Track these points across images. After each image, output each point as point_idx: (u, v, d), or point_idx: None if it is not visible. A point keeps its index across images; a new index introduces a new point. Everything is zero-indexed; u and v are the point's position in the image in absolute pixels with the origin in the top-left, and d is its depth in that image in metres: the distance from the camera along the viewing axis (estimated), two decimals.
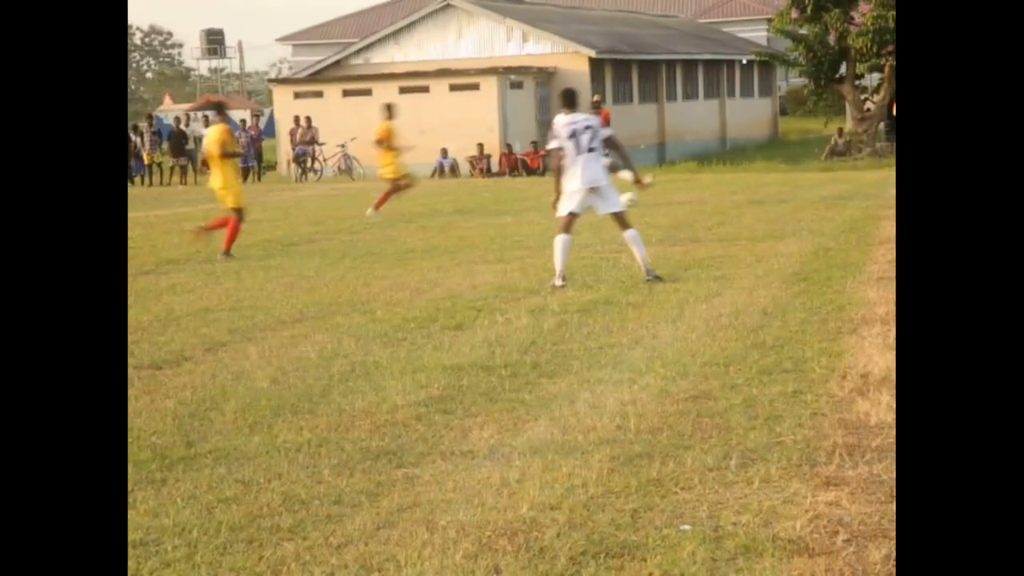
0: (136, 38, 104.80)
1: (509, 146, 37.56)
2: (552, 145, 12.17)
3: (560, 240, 11.98)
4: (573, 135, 11.96)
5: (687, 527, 5.03)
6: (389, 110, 20.62)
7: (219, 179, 15.65)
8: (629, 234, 12.16)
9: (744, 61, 49.49)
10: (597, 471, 5.78)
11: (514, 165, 37.21)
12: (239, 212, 15.48)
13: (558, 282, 11.81)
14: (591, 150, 12.01)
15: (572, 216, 12.12)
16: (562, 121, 12.12)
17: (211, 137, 15.79)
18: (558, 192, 12.14)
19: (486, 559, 4.76)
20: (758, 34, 59.58)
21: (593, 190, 12.01)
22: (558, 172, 12.13)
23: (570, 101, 12.37)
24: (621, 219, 12.25)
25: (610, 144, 12.86)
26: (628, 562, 4.72)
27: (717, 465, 5.82)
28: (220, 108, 16.79)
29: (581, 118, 12.25)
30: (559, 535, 4.97)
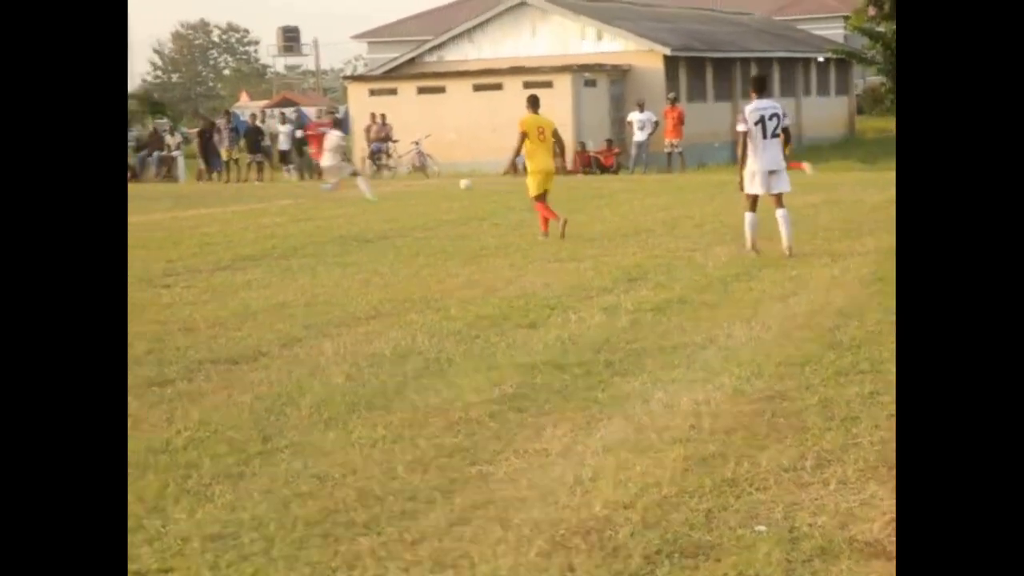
0: (214, 35, 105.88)
1: (582, 144, 37.48)
2: (740, 128, 13.47)
3: (748, 217, 13.51)
4: (760, 120, 13.28)
5: (762, 528, 5.01)
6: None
7: None
8: (781, 212, 13.40)
9: (820, 59, 49.03)
10: (671, 470, 5.77)
11: (587, 163, 37.12)
12: None
13: (750, 250, 13.38)
14: (775, 136, 13.33)
15: (756, 197, 13.44)
16: (751, 107, 13.44)
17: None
18: (742, 172, 13.54)
19: (560, 557, 4.77)
20: (835, 31, 59.01)
21: (772, 172, 13.34)
22: (743, 154, 13.51)
23: (760, 87, 13.82)
24: (780, 198, 13.49)
25: (785, 132, 13.80)
26: (703, 562, 4.70)
27: (793, 466, 5.78)
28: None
29: (768, 104, 13.50)
30: (633, 534, 4.97)
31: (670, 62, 40.21)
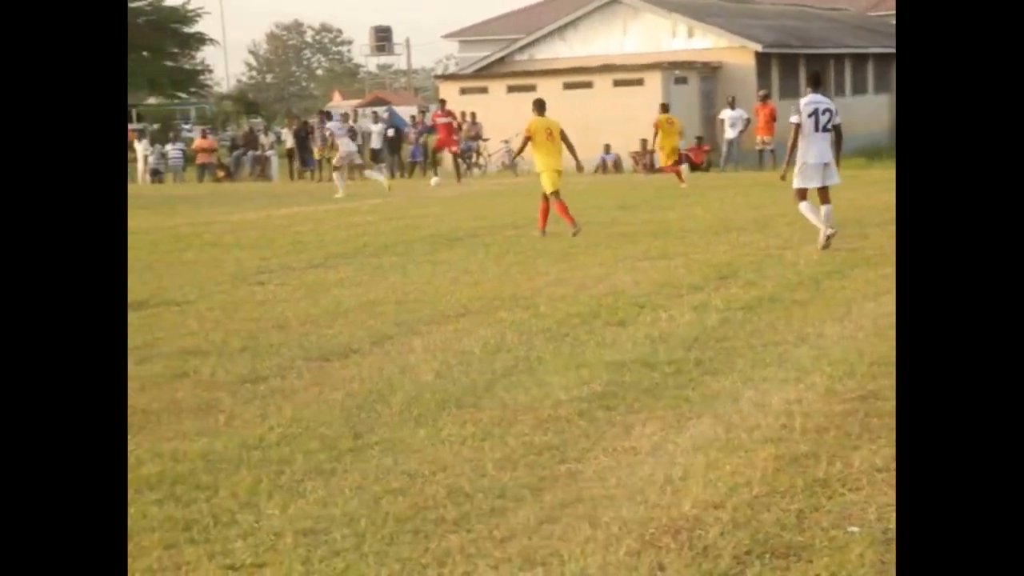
0: (308, 36, 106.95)
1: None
2: (792, 120, 13.90)
3: (803, 205, 13.85)
4: (813, 113, 13.72)
5: (855, 529, 4.95)
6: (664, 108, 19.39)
7: None
8: (827, 208, 13.76)
9: None
10: (761, 470, 5.72)
11: (679, 160, 36.90)
12: None
13: (828, 231, 13.50)
14: (826, 130, 13.75)
15: (805, 191, 13.85)
16: (805, 100, 13.92)
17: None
18: (789, 163, 14.05)
19: (649, 556, 4.75)
20: None
21: (825, 164, 13.78)
22: (793, 145, 13.90)
23: (815, 82, 14.30)
24: (826, 192, 13.93)
25: (836, 130, 14.13)
26: (794, 563, 4.66)
27: (886, 466, 5.70)
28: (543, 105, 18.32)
29: (822, 99, 13.97)
30: (723, 534, 4.93)
31: (762, 59, 39.87)
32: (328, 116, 39.82)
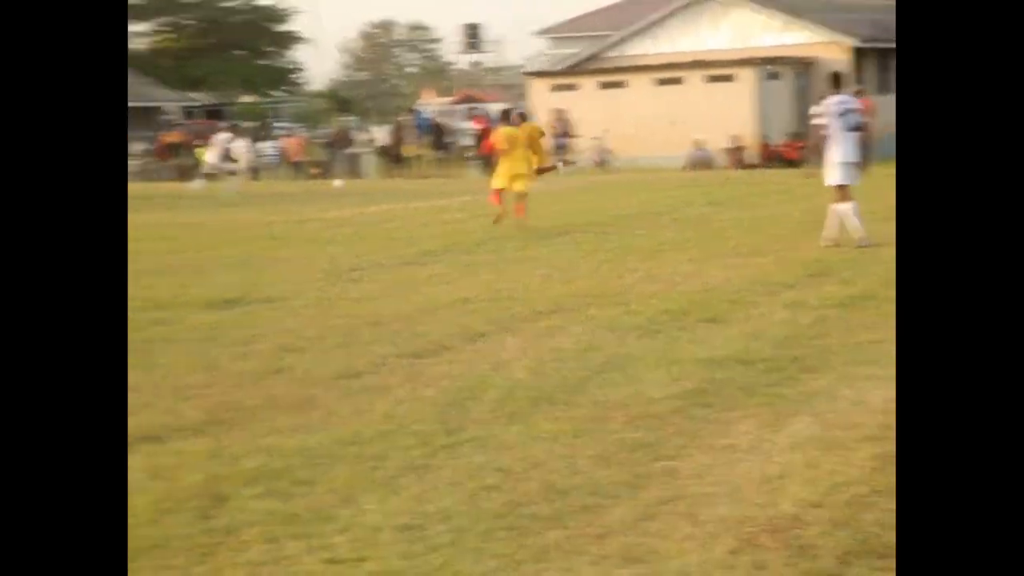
0: (399, 34, 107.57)
1: (765, 138, 37.01)
2: (819, 121, 14.29)
3: (845, 208, 13.93)
4: (842, 114, 14.06)
5: None
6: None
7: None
8: (851, 205, 13.95)
9: None
10: (861, 469, 5.66)
11: (770, 157, 36.64)
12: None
13: (863, 242, 13.61)
14: (853, 130, 14.09)
15: (843, 186, 14.02)
16: (831, 100, 14.20)
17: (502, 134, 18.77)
18: (821, 164, 14.28)
19: (748, 555, 4.72)
20: None
21: (847, 164, 14.01)
22: (822, 146, 14.23)
23: (836, 83, 14.67)
24: (846, 191, 14.08)
25: (861, 129, 14.56)
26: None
27: None
28: (511, 115, 19.62)
29: (848, 99, 14.49)
30: (823, 533, 4.89)
31: (858, 54, 39.39)
32: (413, 114, 40.08)
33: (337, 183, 31.76)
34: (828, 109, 14.15)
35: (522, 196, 18.21)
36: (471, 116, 33.38)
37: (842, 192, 14.10)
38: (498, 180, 18.55)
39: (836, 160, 14.03)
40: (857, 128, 14.16)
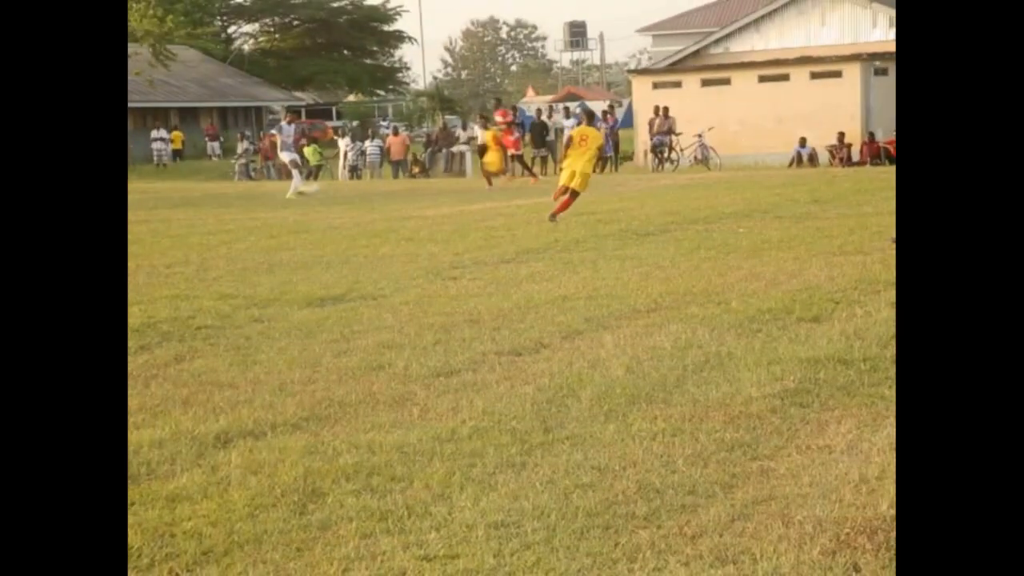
0: (503, 32, 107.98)
1: (871, 134, 36.52)
2: None
3: None
4: None
5: None
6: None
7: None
8: None
9: None
10: None
11: (876, 154, 36.14)
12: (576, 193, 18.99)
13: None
14: None
15: None
16: None
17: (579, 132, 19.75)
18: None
19: (844, 557, 4.66)
20: None
21: None
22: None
23: None
24: None
25: None
26: None
27: None
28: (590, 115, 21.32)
29: None
30: None
31: None
32: (515, 112, 40.12)
33: (313, 189, 30.10)
34: None
35: (574, 193, 18.98)
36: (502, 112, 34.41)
37: None
38: (563, 178, 19.39)
39: None
40: None
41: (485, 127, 34.38)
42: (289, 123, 30.17)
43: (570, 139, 19.95)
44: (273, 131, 32.25)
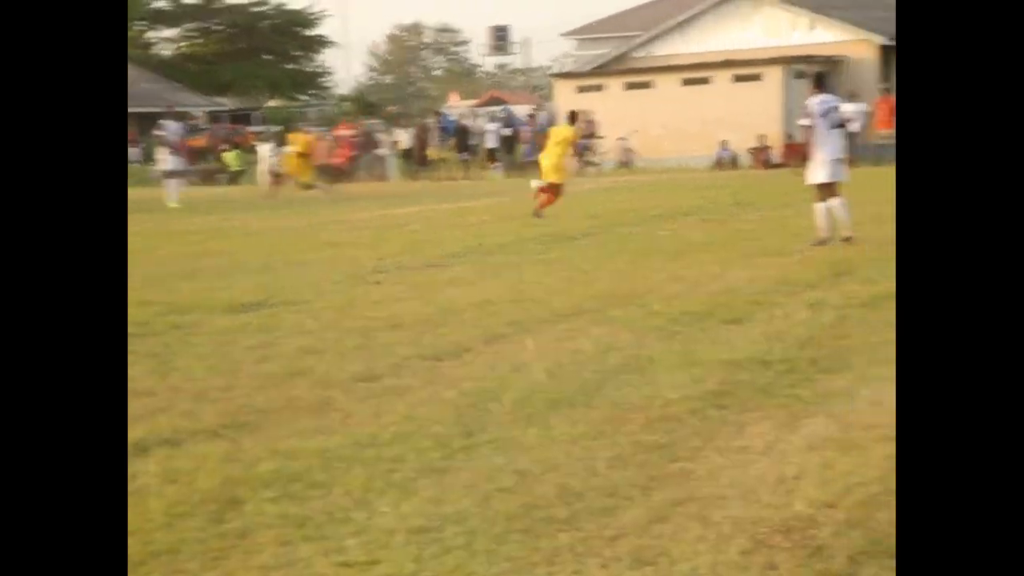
0: (427, 37, 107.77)
1: (791, 137, 36.88)
2: (803, 122, 14.67)
3: (833, 203, 14.29)
4: (825, 113, 14.41)
5: None
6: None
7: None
8: (838, 201, 14.36)
9: None
10: (877, 469, 5.63)
11: (795, 156, 36.48)
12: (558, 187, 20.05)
13: (818, 243, 14.05)
14: (837, 127, 14.53)
15: (824, 185, 14.33)
16: (815, 100, 14.54)
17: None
18: (808, 163, 14.57)
19: (761, 556, 4.70)
20: None
21: (835, 161, 14.40)
22: (808, 145, 14.56)
23: (819, 83, 14.94)
24: (834, 187, 14.44)
25: (844, 126, 15.29)
26: None
27: None
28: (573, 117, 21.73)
29: (830, 98, 14.77)
30: (837, 534, 4.87)
31: (885, 51, 39.22)
32: (438, 116, 40.10)
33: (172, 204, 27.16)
34: (811, 109, 14.52)
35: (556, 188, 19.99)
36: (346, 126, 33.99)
37: (827, 190, 14.39)
38: (543, 173, 20.43)
39: (823, 158, 14.37)
40: (840, 125, 14.66)
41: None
42: (179, 121, 28.10)
43: (545, 139, 21.21)
44: (158, 131, 28.74)
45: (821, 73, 15.82)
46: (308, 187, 29.21)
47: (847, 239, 14.15)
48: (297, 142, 29.94)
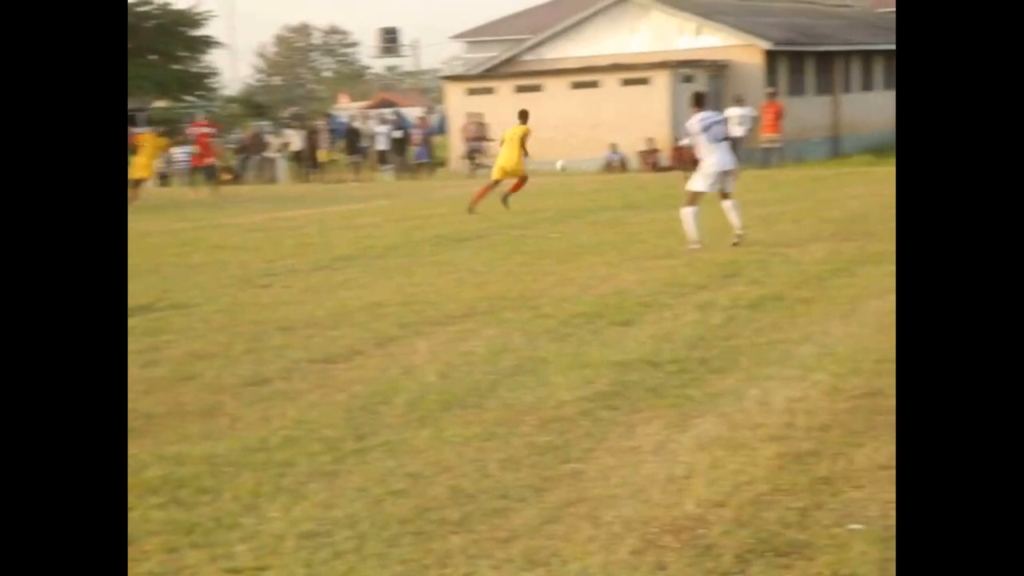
0: (315, 38, 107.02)
1: (679, 140, 37.27)
2: (684, 142, 15.60)
3: (688, 211, 14.53)
4: (706, 128, 14.66)
5: (858, 526, 4.94)
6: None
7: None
8: (730, 202, 14.61)
9: None
10: (765, 468, 5.71)
11: (683, 159, 36.87)
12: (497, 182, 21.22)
13: (694, 246, 14.17)
14: (722, 140, 14.72)
15: (699, 194, 14.55)
16: (695, 119, 14.84)
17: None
18: (688, 178, 14.96)
19: (651, 556, 4.74)
20: None
21: (725, 172, 14.64)
22: (692, 162, 15.02)
23: (699, 102, 15.17)
24: (727, 193, 14.72)
25: (732, 140, 15.63)
26: (796, 561, 4.65)
27: (889, 463, 5.68)
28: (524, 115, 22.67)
29: (711, 114, 15.16)
30: (725, 532, 4.92)
31: (770, 56, 39.81)
32: (328, 118, 39.86)
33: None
34: (692, 128, 14.85)
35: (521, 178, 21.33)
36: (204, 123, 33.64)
37: (699, 197, 14.66)
38: (495, 172, 21.76)
39: (710, 170, 14.60)
40: (725, 138, 14.87)
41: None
42: None
43: (502, 140, 22.32)
44: None
45: (699, 93, 16.07)
46: (135, 184, 28.35)
47: (737, 242, 14.31)
48: (145, 143, 29.22)
